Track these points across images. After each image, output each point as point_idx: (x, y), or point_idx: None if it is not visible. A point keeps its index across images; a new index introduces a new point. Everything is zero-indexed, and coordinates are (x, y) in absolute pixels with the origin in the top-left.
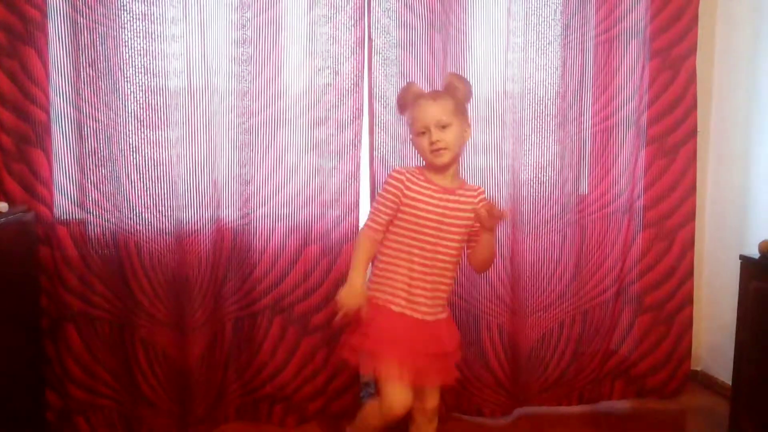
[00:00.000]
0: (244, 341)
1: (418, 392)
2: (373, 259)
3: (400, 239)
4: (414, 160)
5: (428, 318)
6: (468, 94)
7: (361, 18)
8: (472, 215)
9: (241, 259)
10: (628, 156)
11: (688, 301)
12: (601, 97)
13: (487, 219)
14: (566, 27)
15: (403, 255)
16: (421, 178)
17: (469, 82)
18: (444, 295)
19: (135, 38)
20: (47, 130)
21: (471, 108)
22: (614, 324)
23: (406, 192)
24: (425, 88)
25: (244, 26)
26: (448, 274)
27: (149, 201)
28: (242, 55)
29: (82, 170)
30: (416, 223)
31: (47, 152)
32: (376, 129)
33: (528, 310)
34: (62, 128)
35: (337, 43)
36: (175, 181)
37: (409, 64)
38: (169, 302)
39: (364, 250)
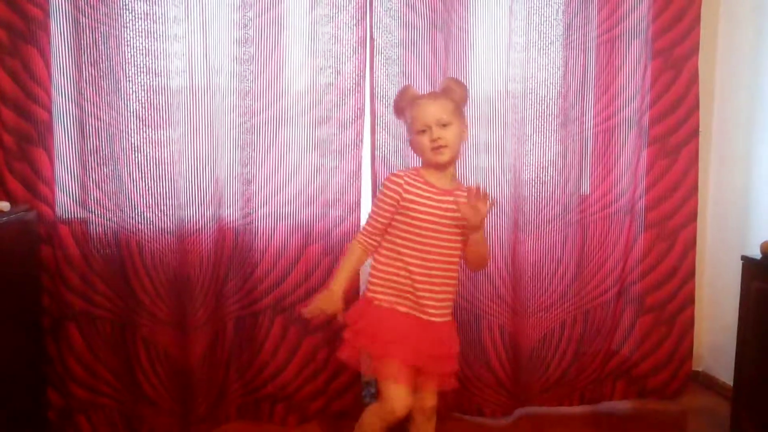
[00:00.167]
0: (246, 341)
1: (417, 391)
2: (373, 262)
3: (400, 241)
4: (415, 159)
5: (435, 319)
6: (464, 98)
7: (363, 17)
8: None
9: (243, 258)
10: (630, 156)
11: (690, 301)
12: (602, 97)
13: (471, 212)
14: (568, 26)
15: (404, 257)
16: (420, 180)
17: (465, 86)
18: (451, 295)
19: (137, 37)
20: (49, 129)
21: (473, 107)
22: (615, 324)
23: (405, 195)
24: (427, 88)
25: (245, 26)
26: (452, 273)
27: (151, 200)
28: (244, 54)
29: (83, 169)
30: (415, 225)
31: (49, 151)
32: (378, 128)
33: (529, 310)
34: (64, 127)
35: (339, 42)
36: (177, 181)
37: (410, 64)
38: (170, 301)
39: (354, 259)
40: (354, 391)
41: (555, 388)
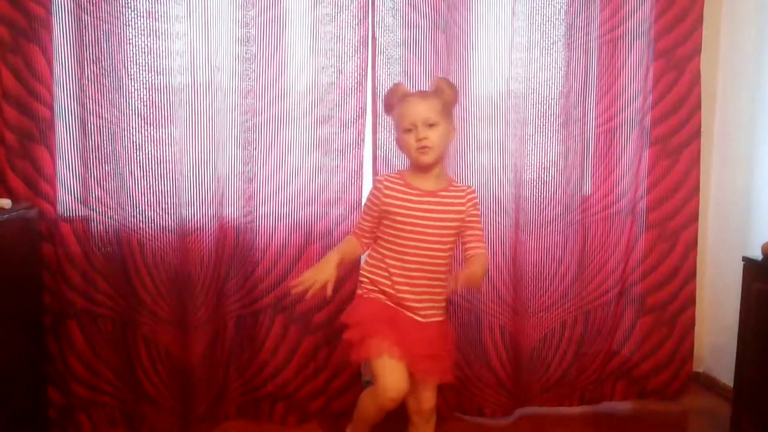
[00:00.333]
0: (246, 339)
1: (414, 392)
2: (363, 263)
3: (384, 243)
4: None
5: (420, 320)
6: (454, 99)
7: (365, 17)
8: (457, 216)
9: (244, 257)
10: (632, 156)
11: (691, 302)
12: (604, 98)
13: (464, 286)
14: (570, 27)
15: (386, 260)
16: (401, 182)
17: (456, 88)
18: (438, 296)
19: (139, 36)
20: (51, 126)
21: (474, 107)
22: (616, 325)
23: (384, 199)
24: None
25: (247, 24)
26: (438, 275)
27: (152, 198)
28: (246, 53)
29: (85, 167)
30: (396, 228)
31: (51, 149)
32: (379, 128)
33: (530, 311)
34: (66, 125)
35: (341, 41)
36: (178, 179)
37: (412, 63)
38: (171, 300)
39: (349, 246)
40: (354, 390)
41: (555, 389)
